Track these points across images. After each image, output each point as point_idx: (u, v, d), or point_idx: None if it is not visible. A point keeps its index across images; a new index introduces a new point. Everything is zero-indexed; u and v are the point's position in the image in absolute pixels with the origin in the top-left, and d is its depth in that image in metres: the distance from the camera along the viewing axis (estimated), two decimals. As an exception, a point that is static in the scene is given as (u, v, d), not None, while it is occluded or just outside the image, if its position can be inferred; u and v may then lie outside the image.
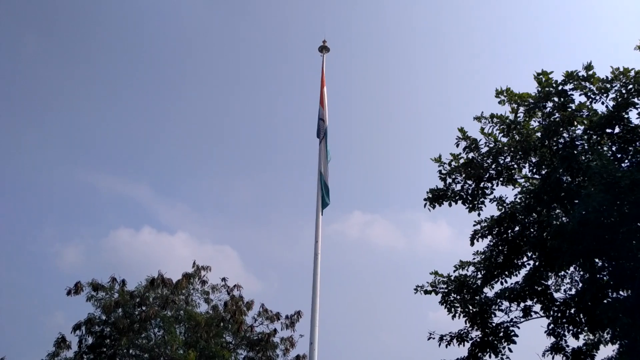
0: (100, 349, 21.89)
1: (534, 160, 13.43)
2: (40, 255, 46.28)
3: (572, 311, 13.27)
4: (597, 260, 12.47)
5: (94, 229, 51.68)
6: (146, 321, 21.79)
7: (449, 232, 50.25)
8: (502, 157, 13.56)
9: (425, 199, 14.20)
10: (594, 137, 12.70)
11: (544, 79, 12.99)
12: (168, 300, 22.15)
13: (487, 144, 13.62)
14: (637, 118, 12.38)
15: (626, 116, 12.49)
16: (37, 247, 47.91)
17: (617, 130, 12.56)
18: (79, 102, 56.91)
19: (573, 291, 13.79)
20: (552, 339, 13.73)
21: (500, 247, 13.96)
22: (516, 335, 13.87)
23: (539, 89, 13.05)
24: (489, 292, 14.31)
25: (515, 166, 13.67)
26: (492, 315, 14.05)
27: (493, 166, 13.62)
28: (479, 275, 14.27)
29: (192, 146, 59.14)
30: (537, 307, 13.89)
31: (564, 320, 13.33)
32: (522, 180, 14.02)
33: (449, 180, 14.01)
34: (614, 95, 12.64)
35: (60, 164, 54.32)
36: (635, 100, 12.41)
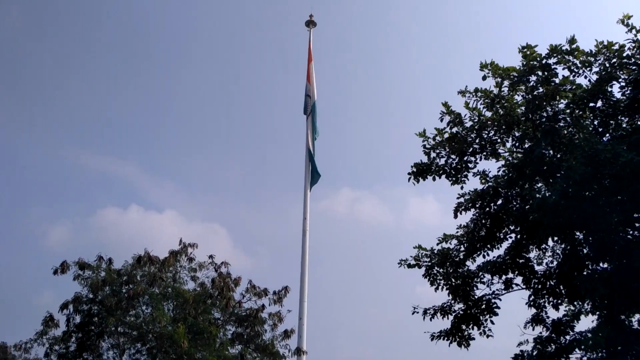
0: (89, 327, 21.95)
1: (517, 134, 13.50)
2: (27, 235, 46.12)
3: (552, 283, 13.50)
4: (577, 233, 12.67)
5: (82, 208, 51.51)
6: (134, 299, 21.82)
7: (436, 207, 50.89)
8: (486, 131, 13.61)
9: (409, 173, 14.27)
10: (577, 111, 12.78)
11: (529, 53, 12.99)
12: (155, 277, 22.17)
13: (471, 118, 13.64)
14: (619, 92, 12.44)
15: (609, 90, 12.55)
16: (24, 226, 47.73)
17: (599, 104, 12.64)
18: (65, 81, 56.19)
19: (554, 264, 13.96)
20: (533, 311, 13.99)
21: (483, 221, 14.11)
22: (498, 307, 14.16)
23: (524, 62, 13.05)
24: (471, 265, 14.52)
25: (499, 140, 13.74)
26: (475, 288, 14.27)
27: (477, 140, 13.68)
28: (462, 249, 14.43)
29: (180, 124, 58.76)
30: (519, 280, 14.12)
31: (544, 291, 13.60)
32: (506, 154, 14.10)
33: (433, 154, 14.08)
34: (597, 69, 12.69)
35: (47, 143, 53.77)
36: (618, 74, 12.43)
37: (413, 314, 14.41)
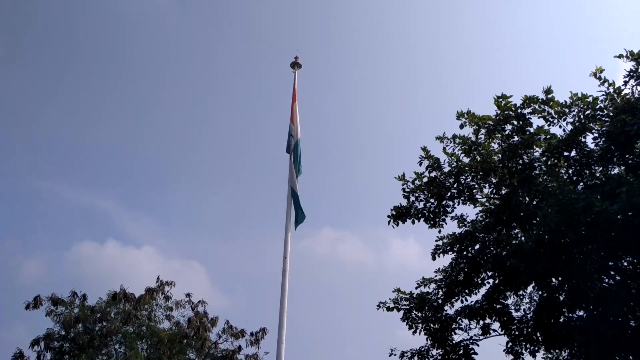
0: (59, 365, 21.37)
1: (494, 180, 13.74)
2: (0, 267, 44.99)
3: (530, 329, 13.48)
4: (553, 280, 12.74)
5: (57, 241, 50.54)
6: (107, 337, 21.40)
7: (417, 250, 50.91)
8: (464, 177, 13.86)
9: (389, 216, 14.37)
10: (552, 159, 13.07)
11: (503, 102, 13.34)
12: (130, 315, 21.80)
13: (450, 163, 13.90)
14: (592, 143, 12.78)
15: (583, 140, 12.90)
16: (-4, 258, 46.59)
17: (573, 153, 12.97)
18: (43, 109, 55.85)
19: (531, 310, 13.97)
20: (511, 357, 13.89)
21: (461, 265, 14.24)
22: (475, 353, 14.07)
23: (499, 111, 13.41)
24: (449, 309, 14.51)
25: (476, 186, 13.98)
26: (453, 333, 14.20)
27: (455, 185, 13.91)
28: (440, 293, 14.47)
29: (161, 158, 58.62)
30: (496, 326, 14.13)
31: (522, 338, 13.57)
32: (483, 199, 14.32)
33: (412, 198, 14.26)
34: (571, 120, 13.06)
35: (22, 173, 53.08)
36: (592, 125, 12.80)
37: (390, 355, 14.28)
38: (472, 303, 14.20)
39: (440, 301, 14.37)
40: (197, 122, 59.57)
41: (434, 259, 14.35)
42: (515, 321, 13.84)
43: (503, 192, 13.54)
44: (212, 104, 60.15)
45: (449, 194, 14.01)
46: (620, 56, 11.91)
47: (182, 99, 59.54)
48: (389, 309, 14.62)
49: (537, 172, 13.04)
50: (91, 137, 56.91)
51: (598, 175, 12.80)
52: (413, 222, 14.36)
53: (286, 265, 12.65)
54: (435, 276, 14.73)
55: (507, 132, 13.40)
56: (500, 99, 13.33)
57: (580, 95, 12.93)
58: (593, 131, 12.82)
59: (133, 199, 56.45)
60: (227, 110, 60.43)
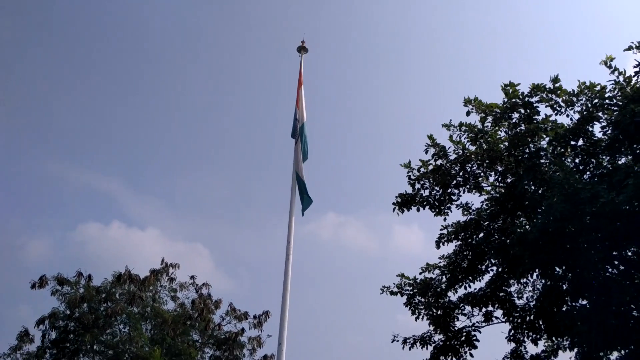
0: (64, 344, 21.72)
1: (500, 169, 13.71)
2: (5, 247, 45.36)
3: (532, 317, 13.54)
4: (557, 268, 12.75)
5: (62, 222, 50.85)
6: (112, 317, 21.69)
7: (421, 236, 50.95)
8: (470, 165, 13.82)
9: (394, 204, 14.37)
10: (559, 148, 13.01)
11: (510, 90, 13.24)
12: (135, 296, 22.07)
13: (456, 151, 13.86)
14: (599, 132, 12.66)
15: (590, 129, 12.82)
16: (2, 238, 46.97)
17: (580, 142, 12.90)
18: (48, 88, 55.76)
19: (534, 299, 14.06)
20: (513, 345, 14.05)
21: (465, 252, 14.23)
22: (477, 340, 14.18)
23: (506, 99, 13.31)
24: (453, 296, 14.60)
25: (482, 174, 13.94)
26: (455, 319, 14.30)
27: (460, 173, 13.88)
28: (444, 279, 14.53)
29: (167, 141, 58.64)
30: (499, 313, 14.22)
31: (524, 326, 13.67)
32: (489, 188, 14.28)
33: (417, 185, 14.25)
34: (579, 109, 12.97)
35: (28, 153, 53.18)
36: (599, 114, 12.67)
37: (393, 342, 14.48)
38: (476, 290, 14.27)
39: (443, 287, 14.44)
40: (204, 107, 59.50)
41: (438, 247, 14.34)
42: (518, 309, 13.93)
43: (509, 180, 13.51)
44: (218, 88, 60.02)
45: (455, 182, 13.98)
46: (630, 48, 11.77)
47: (188, 84, 59.41)
48: (392, 293, 14.74)
49: (543, 160, 12.99)
50: (99, 119, 56.94)
51: (605, 164, 12.75)
52: (418, 210, 14.38)
53: (290, 250, 12.68)
54: (439, 263, 14.77)
55: (514, 121, 13.32)
56: (508, 87, 13.22)
57: (588, 83, 12.79)
58: (601, 120, 12.69)
59: (139, 181, 56.71)
60: (233, 94, 60.28)
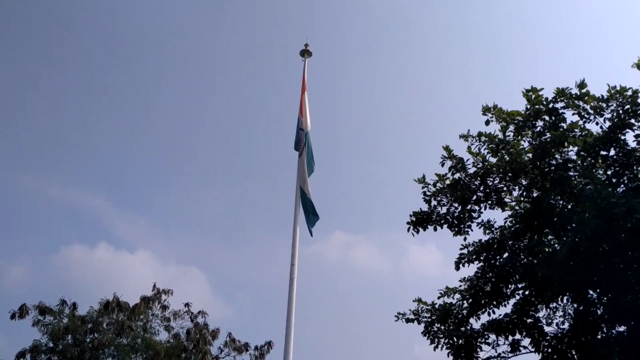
0: (46, 381, 20.78)
1: (524, 182, 13.28)
2: (-19, 272, 44.02)
3: (564, 347, 12.96)
4: (590, 292, 12.32)
5: (44, 244, 49.37)
6: (98, 349, 20.81)
7: (439, 257, 48.91)
8: (491, 179, 13.39)
9: (408, 223, 13.93)
10: (588, 159, 12.57)
11: (533, 96, 12.82)
12: (124, 326, 21.20)
13: (475, 164, 13.43)
14: (634, 141, 12.22)
15: (622, 138, 12.37)
16: (-23, 261, 45.53)
17: (612, 152, 12.46)
18: (30, 101, 54.49)
19: (566, 325, 13.60)
20: (542, 377, 13.35)
21: (488, 275, 13.77)
22: (504, 372, 13.51)
23: (528, 106, 12.90)
24: (475, 323, 14.05)
25: (505, 188, 13.54)
26: (478, 349, 13.65)
27: (481, 188, 13.46)
28: (465, 305, 14.02)
29: (157, 154, 57.46)
30: (527, 342, 13.61)
31: (555, 356, 13.00)
32: (512, 203, 13.88)
33: (434, 202, 13.83)
34: (609, 116, 12.51)
35: (6, 169, 51.60)
36: (632, 121, 12.22)
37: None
38: (500, 316, 13.70)
39: (465, 313, 13.90)
40: (197, 115, 58.21)
41: (457, 268, 13.88)
42: (548, 337, 13.28)
43: (534, 195, 13.13)
44: (213, 95, 58.99)
45: (475, 197, 13.56)
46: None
47: (181, 90, 58.58)
48: (408, 320, 14.15)
49: (571, 173, 12.60)
50: (80, 130, 55.63)
51: (640, 176, 12.32)
52: (435, 229, 13.92)
53: (294, 273, 12.40)
54: (460, 286, 14.26)
55: (538, 129, 12.89)
56: (530, 92, 12.78)
57: (618, 88, 12.31)
58: (634, 128, 12.25)
59: (126, 198, 55.19)
60: (230, 102, 58.98)
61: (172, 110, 58.13)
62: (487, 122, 13.13)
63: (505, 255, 13.61)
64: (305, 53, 13.33)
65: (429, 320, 14.01)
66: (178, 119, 58.22)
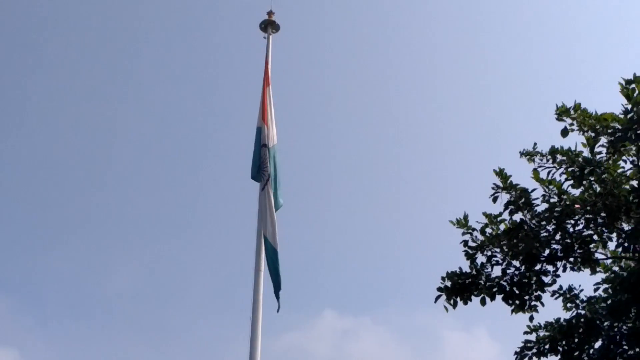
0: None
1: (626, 227, 10.88)
2: None
3: None
4: None
5: None
6: None
7: (493, 348, 37.43)
8: (573, 222, 11.01)
9: (439, 290, 11.41)
10: None
11: (637, 91, 10.43)
12: None
13: (547, 198, 11.06)
14: None
15: None
16: None
17: None
18: None
19: None
20: None
21: None
22: None
23: (629, 106, 10.54)
24: None
25: (596, 237, 11.17)
26: None
27: (557, 237, 11.04)
28: None
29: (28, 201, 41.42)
30: None
31: None
32: (608, 261, 11.60)
33: (481, 258, 11.40)
34: None
35: None
36: None
37: None
38: None
39: None
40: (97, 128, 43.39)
41: None
42: None
43: None
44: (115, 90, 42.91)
45: (547, 251, 11.16)
46: None
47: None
48: None
49: None
50: None
51: None
52: (483, 302, 11.36)
53: None
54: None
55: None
56: (632, 84, 10.33)
57: None
58: None
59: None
60: (141, 102, 42.99)
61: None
62: (565, 132, 10.82)
63: (599, 343, 11.25)
64: (268, 26, 11.18)
65: None
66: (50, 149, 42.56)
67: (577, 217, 10.97)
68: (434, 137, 44.70)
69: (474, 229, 11.37)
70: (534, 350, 11.47)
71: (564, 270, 11.44)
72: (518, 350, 11.57)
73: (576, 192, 10.97)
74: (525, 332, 11.68)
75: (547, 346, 11.40)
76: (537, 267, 11.38)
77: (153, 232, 41.74)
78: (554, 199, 11.00)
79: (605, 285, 11.49)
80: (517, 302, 11.36)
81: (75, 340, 36.67)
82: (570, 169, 10.86)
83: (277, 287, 10.67)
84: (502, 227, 11.33)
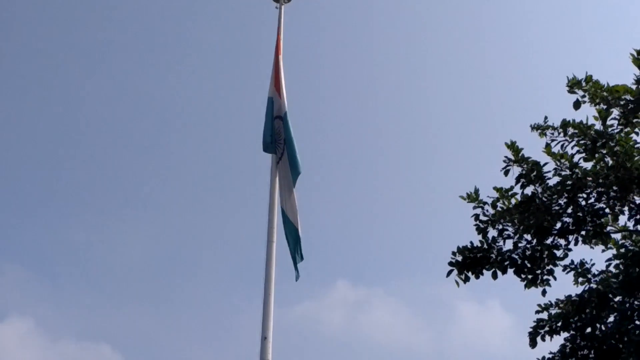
0: None
1: (638, 200, 11.29)
2: None
3: None
4: None
5: None
6: None
7: (507, 321, 39.05)
8: (584, 195, 11.36)
9: (450, 264, 11.70)
10: None
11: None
12: None
13: (559, 171, 11.35)
14: None
15: None
16: None
17: None
18: None
19: None
20: None
21: (582, 351, 11.62)
22: None
23: (640, 76, 11.43)
24: None
25: (608, 211, 11.47)
26: None
27: (569, 210, 11.38)
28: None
29: (35, 169, 44.02)
30: None
31: None
32: (619, 236, 11.91)
33: (492, 232, 11.70)
34: None
35: None
36: None
37: None
38: None
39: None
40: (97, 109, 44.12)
41: (533, 344, 11.67)
42: None
43: None
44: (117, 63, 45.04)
45: (559, 225, 11.49)
46: None
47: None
48: None
49: None
50: None
51: None
52: (495, 276, 11.64)
53: (267, 354, 10.83)
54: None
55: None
56: None
57: None
58: None
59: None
60: (155, 72, 46.41)
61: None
62: (577, 104, 11.10)
63: (611, 319, 11.59)
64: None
65: None
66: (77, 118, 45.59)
67: (588, 191, 11.30)
68: (448, 112, 45.42)
69: (485, 203, 11.66)
70: (547, 329, 11.81)
71: (576, 243, 11.75)
72: (531, 330, 11.88)
73: (588, 165, 11.29)
74: (537, 312, 11.98)
75: (559, 322, 11.71)
76: (549, 240, 11.69)
77: (166, 203, 43.54)
78: (566, 172, 11.28)
79: (617, 261, 11.72)
80: (530, 276, 11.71)
81: (89, 310, 38.73)
82: (582, 142, 11.21)
83: (296, 261, 10.86)
84: (514, 201, 11.62)
